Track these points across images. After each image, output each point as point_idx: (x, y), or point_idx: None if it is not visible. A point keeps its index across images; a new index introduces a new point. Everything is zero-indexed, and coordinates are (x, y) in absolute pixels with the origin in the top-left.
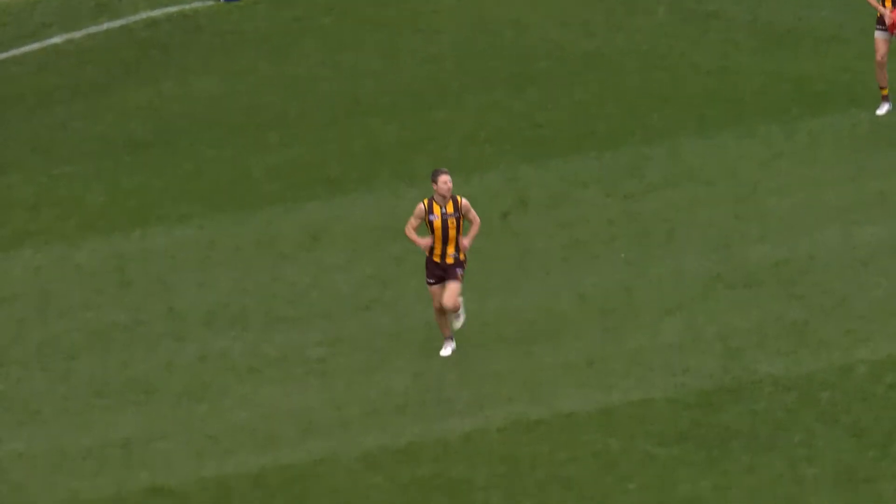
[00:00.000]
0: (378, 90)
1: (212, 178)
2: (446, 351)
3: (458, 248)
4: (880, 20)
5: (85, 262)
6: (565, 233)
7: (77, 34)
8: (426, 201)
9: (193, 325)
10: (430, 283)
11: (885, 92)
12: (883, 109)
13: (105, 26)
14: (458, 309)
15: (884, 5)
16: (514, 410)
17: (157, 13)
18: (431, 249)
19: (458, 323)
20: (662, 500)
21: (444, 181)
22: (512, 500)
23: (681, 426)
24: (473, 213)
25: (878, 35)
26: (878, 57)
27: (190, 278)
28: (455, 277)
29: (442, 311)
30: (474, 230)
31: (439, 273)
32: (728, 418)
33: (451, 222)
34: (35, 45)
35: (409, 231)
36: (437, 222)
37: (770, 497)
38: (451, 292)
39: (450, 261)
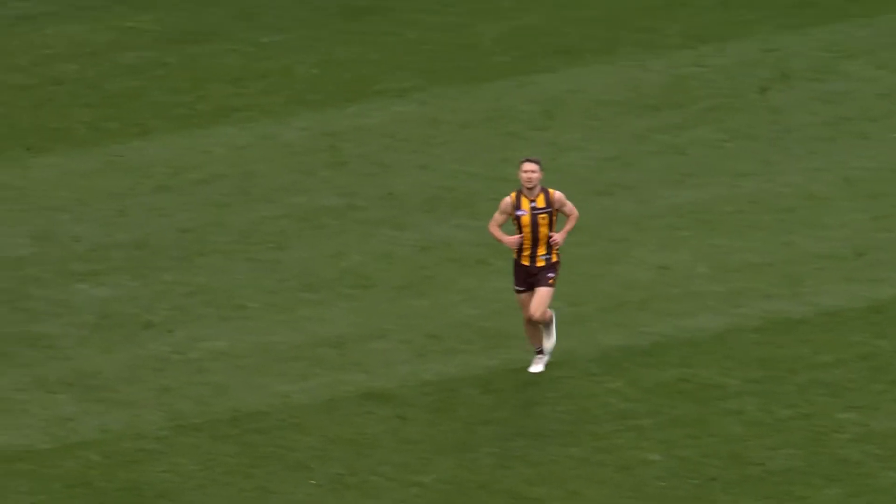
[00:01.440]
0: None
1: (435, 47)
2: (536, 367)
3: (549, 249)
4: None
5: (294, 140)
6: (830, 109)
7: None
8: (514, 194)
9: (414, 210)
10: (519, 291)
11: None
12: None
13: None
14: (548, 319)
15: None
16: (772, 308)
17: None
18: (519, 251)
19: (550, 343)
20: None
21: (526, 170)
22: (769, 408)
23: None
24: (570, 206)
25: None
26: None
27: (410, 159)
28: (546, 283)
29: (532, 322)
30: (570, 224)
31: (529, 280)
32: None
33: (542, 219)
34: None
35: (493, 228)
36: (526, 218)
37: None
38: (540, 300)
39: (540, 263)
